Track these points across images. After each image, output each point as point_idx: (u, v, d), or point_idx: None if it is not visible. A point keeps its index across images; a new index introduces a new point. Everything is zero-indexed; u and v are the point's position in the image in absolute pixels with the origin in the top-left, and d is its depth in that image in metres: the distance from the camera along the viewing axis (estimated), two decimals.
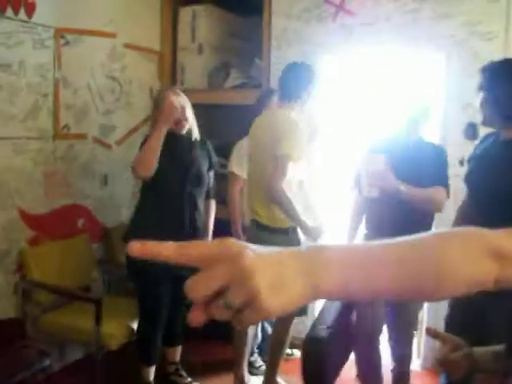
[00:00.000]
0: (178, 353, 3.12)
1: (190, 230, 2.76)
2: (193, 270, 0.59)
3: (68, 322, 2.96)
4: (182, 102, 2.76)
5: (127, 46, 3.66)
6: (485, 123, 2.19)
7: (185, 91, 4.03)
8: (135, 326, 2.93)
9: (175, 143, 2.76)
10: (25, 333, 2.78)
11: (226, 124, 4.47)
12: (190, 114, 2.82)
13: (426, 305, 3.33)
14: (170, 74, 4.11)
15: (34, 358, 2.60)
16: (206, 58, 4.00)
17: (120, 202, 3.72)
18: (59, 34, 3.19)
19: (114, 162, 3.62)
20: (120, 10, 3.59)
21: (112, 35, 3.53)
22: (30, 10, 2.98)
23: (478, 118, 3.15)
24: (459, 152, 3.24)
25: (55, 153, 3.23)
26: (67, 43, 3.24)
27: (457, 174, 3.20)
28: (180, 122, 2.75)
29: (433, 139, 3.56)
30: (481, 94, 2.12)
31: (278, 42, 3.73)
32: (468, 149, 3.02)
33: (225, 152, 4.15)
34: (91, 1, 3.39)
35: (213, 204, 3.07)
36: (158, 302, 2.79)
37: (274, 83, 3.73)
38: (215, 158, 3.04)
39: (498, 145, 2.11)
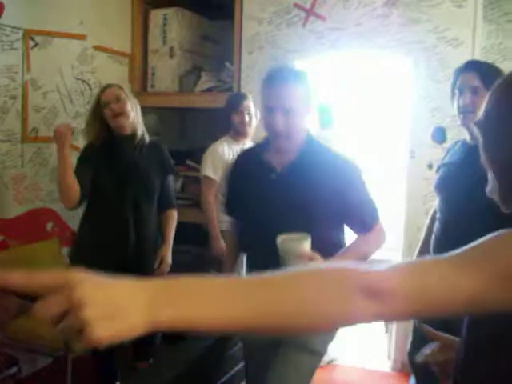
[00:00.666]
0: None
1: (134, 242, 2.54)
2: None
3: (36, 327, 2.91)
4: (121, 95, 2.54)
5: (97, 48, 3.63)
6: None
7: (156, 94, 4.07)
8: None
9: (115, 147, 2.56)
10: None
11: (198, 127, 4.47)
12: (132, 111, 2.56)
13: None
14: (141, 76, 4.09)
15: (2, 363, 2.56)
16: (177, 61, 4.00)
17: None
18: (28, 35, 3.14)
19: None
20: (90, 12, 3.56)
21: (82, 37, 3.50)
22: None
23: (446, 122, 3.26)
24: (428, 156, 3.31)
25: (23, 156, 3.18)
26: (36, 45, 3.20)
27: (426, 178, 3.29)
28: (116, 115, 2.51)
29: (402, 144, 3.65)
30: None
31: (249, 46, 3.75)
32: (437, 152, 3.11)
33: (196, 155, 4.15)
34: (61, 3, 3.35)
35: (173, 213, 2.78)
36: None
37: (244, 87, 3.76)
38: (170, 162, 2.75)
39: (466, 150, 2.13)
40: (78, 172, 2.45)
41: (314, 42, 3.58)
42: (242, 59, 3.78)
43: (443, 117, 3.27)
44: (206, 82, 4.01)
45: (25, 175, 3.18)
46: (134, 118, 2.58)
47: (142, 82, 4.10)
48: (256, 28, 3.72)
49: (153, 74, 4.06)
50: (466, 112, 2.01)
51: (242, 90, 3.73)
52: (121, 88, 2.59)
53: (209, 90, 3.97)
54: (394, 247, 3.63)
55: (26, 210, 3.21)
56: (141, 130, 2.63)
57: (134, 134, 2.59)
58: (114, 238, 2.52)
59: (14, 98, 3.10)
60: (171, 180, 2.78)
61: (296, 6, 3.60)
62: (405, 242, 3.51)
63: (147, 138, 2.67)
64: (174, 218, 2.78)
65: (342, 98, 4.94)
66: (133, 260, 2.53)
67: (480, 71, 2.01)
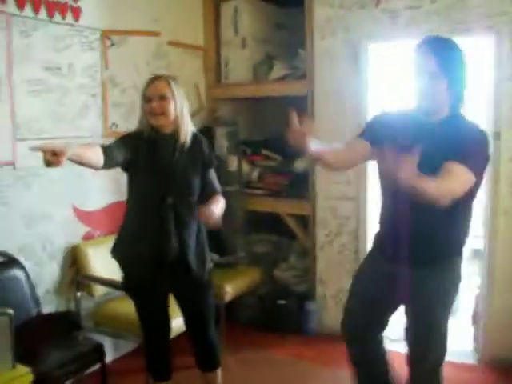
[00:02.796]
0: (217, 378, 2.72)
1: (176, 246, 2.43)
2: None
3: (121, 314, 3.06)
4: (166, 93, 2.38)
5: (171, 43, 3.73)
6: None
7: (230, 85, 4.11)
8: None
9: (157, 150, 2.41)
10: (80, 325, 2.88)
11: (274, 116, 4.47)
12: (175, 109, 2.40)
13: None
14: (215, 68, 4.15)
15: (88, 349, 2.70)
16: (250, 51, 4.02)
17: None
18: (105, 35, 3.28)
19: None
20: (163, 10, 3.67)
21: (156, 34, 3.60)
22: (77, 14, 3.09)
23: None
24: None
25: None
26: (113, 44, 3.33)
27: None
28: (155, 113, 2.38)
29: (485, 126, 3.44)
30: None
31: (321, 32, 3.68)
32: None
33: (273, 145, 4.16)
34: (135, 2, 3.47)
35: (217, 196, 2.56)
36: (150, 313, 2.61)
37: (318, 73, 3.70)
38: (210, 156, 2.58)
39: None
40: (113, 145, 2.34)
41: (387, 22, 3.45)
42: (314, 45, 3.72)
43: None
44: (279, 70, 3.99)
45: None
46: (177, 118, 2.42)
47: (216, 73, 4.16)
48: (327, 12, 3.64)
49: (226, 66, 4.11)
50: None
51: (316, 76, 3.68)
52: (168, 82, 2.41)
53: (283, 78, 3.95)
54: (480, 234, 3.47)
55: (109, 203, 3.37)
56: (184, 129, 2.44)
57: (174, 133, 2.43)
58: (154, 241, 2.42)
59: (94, 95, 3.25)
60: (213, 172, 2.60)
61: None
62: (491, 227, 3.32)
63: (189, 136, 2.48)
64: (220, 200, 2.53)
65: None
66: (172, 260, 2.45)
67: None
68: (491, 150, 3.22)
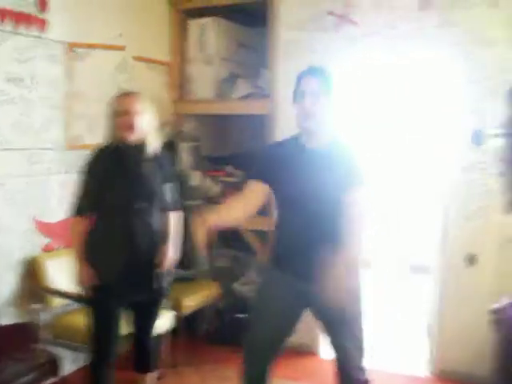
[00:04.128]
0: (150, 380, 2.93)
1: (143, 247, 2.60)
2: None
3: (79, 327, 3.04)
4: (133, 108, 2.55)
5: (136, 58, 3.78)
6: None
7: (194, 101, 4.18)
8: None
9: (124, 158, 2.59)
10: (37, 337, 2.86)
11: (236, 133, 4.56)
12: (144, 122, 2.59)
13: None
14: (180, 84, 4.21)
15: (44, 361, 2.69)
16: (215, 68, 4.10)
17: None
18: (70, 48, 3.30)
19: None
20: (130, 24, 3.72)
21: (121, 48, 3.65)
22: (42, 25, 3.11)
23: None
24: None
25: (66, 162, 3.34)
26: (78, 57, 3.36)
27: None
28: (125, 128, 2.54)
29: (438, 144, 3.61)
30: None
31: (284, 53, 3.79)
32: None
33: (233, 161, 4.23)
34: (102, 16, 3.51)
35: (173, 215, 2.81)
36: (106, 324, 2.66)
37: (280, 93, 3.80)
38: (170, 171, 2.81)
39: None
40: (85, 191, 2.59)
41: (347, 47, 3.59)
42: (277, 65, 3.83)
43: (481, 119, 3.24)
44: (243, 88, 4.08)
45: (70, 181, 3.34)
46: (146, 131, 2.60)
47: (180, 89, 4.22)
48: (291, 34, 3.76)
49: (191, 82, 4.17)
50: None
51: (279, 96, 3.78)
52: (137, 98, 2.60)
53: (246, 96, 4.04)
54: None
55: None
56: (151, 141, 2.64)
57: (141, 145, 2.60)
58: (121, 244, 2.57)
59: (57, 107, 3.26)
60: (171, 186, 2.78)
61: (329, 13, 3.63)
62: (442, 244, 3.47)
63: (155, 148, 2.68)
64: (174, 219, 2.80)
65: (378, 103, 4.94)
66: (138, 265, 2.61)
67: None
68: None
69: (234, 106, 4.07)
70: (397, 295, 5.27)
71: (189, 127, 4.32)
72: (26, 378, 2.55)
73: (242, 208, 2.32)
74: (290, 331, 2.39)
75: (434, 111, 4.23)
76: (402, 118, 5.57)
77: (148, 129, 2.62)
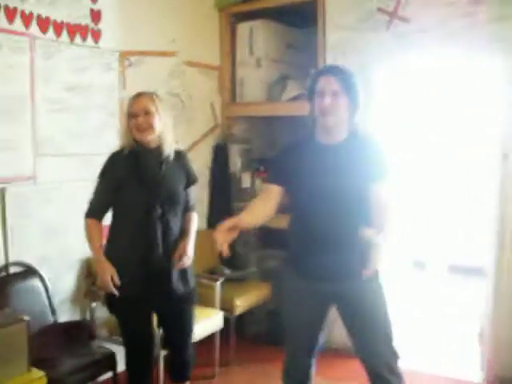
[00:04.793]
0: None
1: (161, 251, 2.53)
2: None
3: None
4: (150, 108, 2.49)
5: (187, 63, 3.87)
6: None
7: (244, 104, 4.23)
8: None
9: (142, 162, 2.52)
10: (94, 334, 2.99)
11: (286, 135, 4.57)
12: (160, 123, 2.51)
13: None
14: (230, 88, 4.28)
15: (101, 357, 2.80)
16: (264, 71, 4.14)
17: None
18: (124, 56, 3.43)
19: None
20: (180, 30, 3.82)
21: (173, 54, 3.75)
22: (96, 36, 3.24)
23: None
24: None
25: None
26: (131, 65, 3.48)
27: None
28: (142, 128, 2.48)
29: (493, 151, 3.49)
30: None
31: (333, 53, 3.78)
32: None
33: None
34: (153, 23, 3.62)
35: (193, 215, 2.74)
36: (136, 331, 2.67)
37: None
38: (192, 172, 2.72)
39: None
40: (98, 194, 2.56)
41: (398, 45, 3.54)
42: None
43: None
44: (292, 89, 4.09)
45: None
46: (162, 132, 2.53)
47: (231, 92, 4.28)
48: (339, 34, 3.74)
49: (241, 85, 4.23)
50: None
51: None
52: (152, 99, 2.53)
53: (296, 98, 4.05)
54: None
55: None
56: (168, 142, 2.56)
57: (159, 147, 2.54)
58: (141, 250, 2.51)
59: (112, 114, 3.39)
60: (194, 188, 2.77)
61: (379, 10, 3.59)
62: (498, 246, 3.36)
63: (173, 150, 2.61)
64: (194, 219, 2.74)
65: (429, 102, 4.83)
66: (158, 272, 2.55)
67: None
68: (500, 172, 3.33)
69: (283, 108, 4.08)
70: (447, 297, 5.16)
71: (239, 130, 4.38)
72: (83, 374, 2.68)
73: (262, 210, 2.35)
74: (323, 327, 2.44)
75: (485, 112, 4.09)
76: (447, 116, 5.48)
77: (164, 129, 2.54)
